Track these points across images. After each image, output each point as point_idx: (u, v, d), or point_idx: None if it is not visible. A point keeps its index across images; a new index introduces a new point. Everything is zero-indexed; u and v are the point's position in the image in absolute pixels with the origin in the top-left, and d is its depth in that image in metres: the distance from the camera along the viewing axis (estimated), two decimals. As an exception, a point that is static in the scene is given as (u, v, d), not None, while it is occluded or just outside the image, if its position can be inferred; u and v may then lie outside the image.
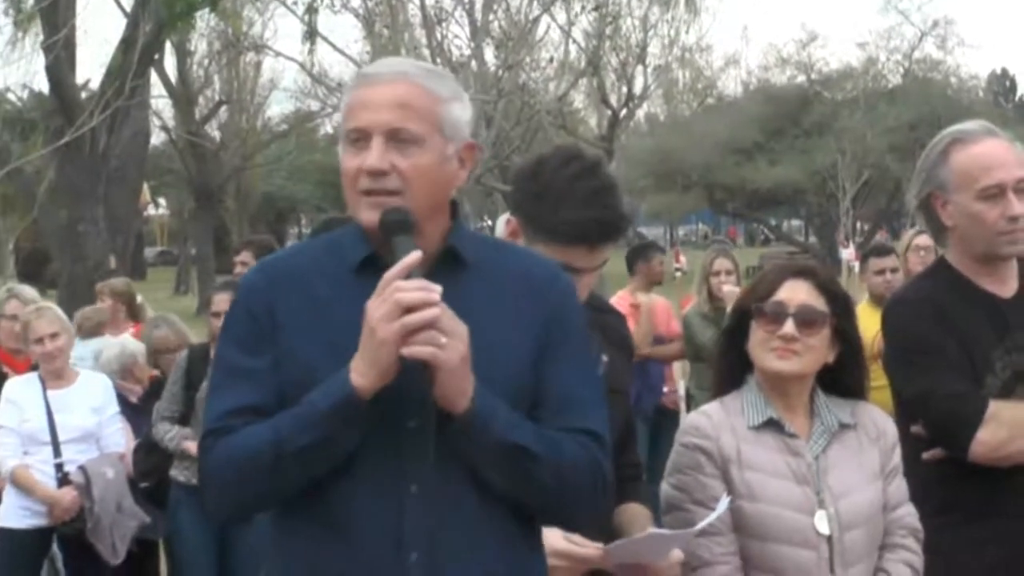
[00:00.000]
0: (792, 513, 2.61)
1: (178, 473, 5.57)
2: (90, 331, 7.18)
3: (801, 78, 39.76)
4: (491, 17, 23.43)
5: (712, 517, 2.52)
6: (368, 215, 2.06)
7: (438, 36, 22.73)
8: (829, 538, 2.61)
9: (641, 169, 38.21)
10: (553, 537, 2.33)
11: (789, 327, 2.65)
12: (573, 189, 2.58)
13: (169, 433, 5.58)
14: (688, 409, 7.52)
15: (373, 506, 2.01)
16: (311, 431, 1.97)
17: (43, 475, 5.59)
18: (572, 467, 2.05)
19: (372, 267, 2.05)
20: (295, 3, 23.41)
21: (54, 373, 5.70)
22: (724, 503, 2.54)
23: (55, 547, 5.79)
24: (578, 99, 37.42)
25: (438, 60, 21.04)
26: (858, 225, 43.83)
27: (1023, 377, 2.92)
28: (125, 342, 6.65)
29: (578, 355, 2.14)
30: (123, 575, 5.74)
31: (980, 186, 2.93)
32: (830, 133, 35.43)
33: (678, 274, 23.08)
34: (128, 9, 18.47)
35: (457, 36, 24.07)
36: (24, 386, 5.71)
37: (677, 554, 2.52)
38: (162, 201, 51.19)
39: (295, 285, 2.10)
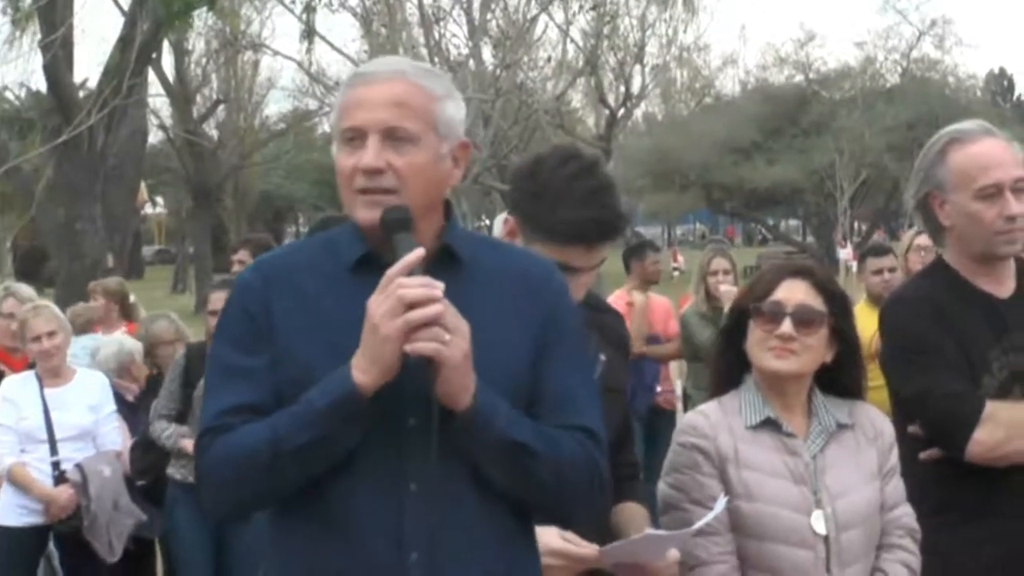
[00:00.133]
0: (789, 513, 2.61)
1: (175, 471, 5.57)
2: (80, 328, 7.16)
3: (799, 78, 39.78)
4: (489, 16, 23.43)
5: (709, 516, 2.52)
6: (364, 214, 2.06)
7: (436, 35, 22.69)
8: (826, 538, 2.61)
9: (639, 168, 38.22)
10: (549, 536, 2.33)
11: (787, 327, 2.65)
12: (571, 188, 2.58)
13: (166, 431, 5.58)
14: (685, 409, 7.51)
15: (373, 504, 2.01)
16: (310, 429, 1.96)
17: (40, 473, 5.59)
18: (570, 464, 2.05)
19: (368, 266, 2.05)
20: (293, 2, 23.37)
21: (51, 371, 5.70)
22: (721, 503, 2.54)
23: (52, 545, 5.79)
24: (576, 98, 37.50)
25: (436, 59, 21.02)
26: (856, 225, 43.82)
27: (1020, 377, 2.92)
28: (123, 340, 6.65)
29: (573, 354, 2.14)
30: (120, 573, 5.75)
31: (978, 186, 2.93)
32: (828, 133, 35.42)
33: (676, 274, 23.09)
34: (126, 8, 18.49)
35: (455, 35, 24.13)
36: (21, 384, 5.71)
37: (674, 554, 2.51)
38: (160, 200, 51.12)
39: (291, 284, 2.10)
